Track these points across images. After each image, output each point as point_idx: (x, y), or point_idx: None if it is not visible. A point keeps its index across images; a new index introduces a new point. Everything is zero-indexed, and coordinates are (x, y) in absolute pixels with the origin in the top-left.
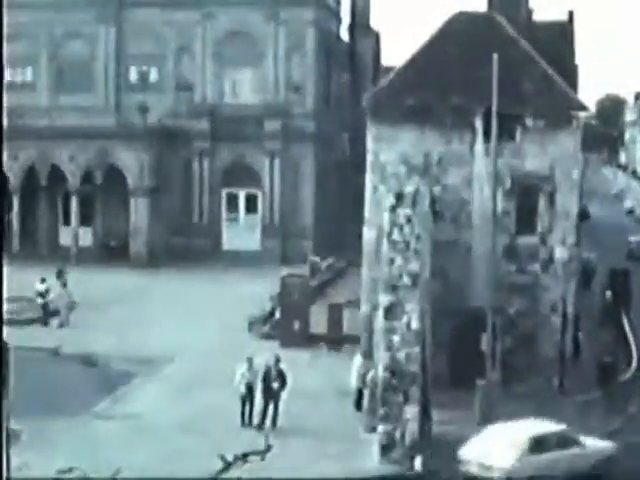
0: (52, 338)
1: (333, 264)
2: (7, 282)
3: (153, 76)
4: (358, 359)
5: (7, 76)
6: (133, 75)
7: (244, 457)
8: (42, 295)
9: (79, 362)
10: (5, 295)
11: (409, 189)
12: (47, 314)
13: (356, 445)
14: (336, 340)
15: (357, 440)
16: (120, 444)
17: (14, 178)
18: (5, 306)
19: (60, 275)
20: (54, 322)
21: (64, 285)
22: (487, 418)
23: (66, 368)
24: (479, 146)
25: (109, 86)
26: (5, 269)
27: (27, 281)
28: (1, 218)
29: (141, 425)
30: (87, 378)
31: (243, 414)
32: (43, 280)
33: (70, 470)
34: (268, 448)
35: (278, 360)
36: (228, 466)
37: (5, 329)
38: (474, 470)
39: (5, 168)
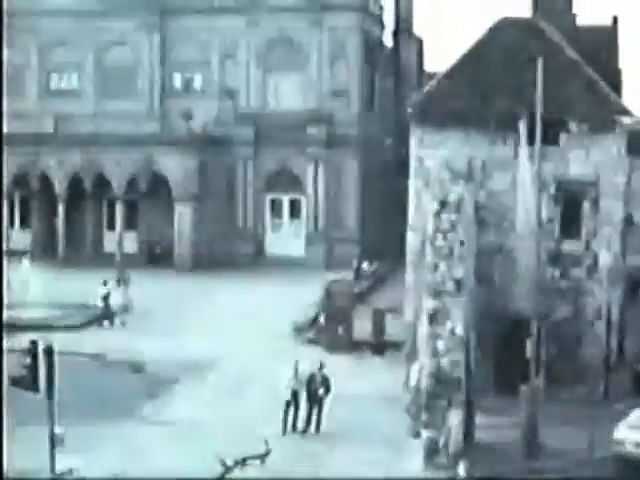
0: (98, 343)
1: (377, 269)
2: (53, 288)
3: (197, 83)
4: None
5: (53, 83)
6: (177, 82)
7: (243, 461)
8: (105, 297)
9: (125, 367)
10: (50, 301)
11: (453, 195)
12: (108, 315)
13: (400, 450)
14: (380, 346)
15: (401, 445)
16: (164, 449)
17: (59, 184)
18: (50, 312)
19: (120, 280)
20: (113, 323)
21: (125, 285)
22: (531, 424)
23: (112, 373)
24: (523, 151)
25: (154, 93)
26: (50, 275)
27: (72, 287)
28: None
29: (185, 430)
30: (133, 383)
31: (286, 419)
32: (105, 283)
33: (70, 471)
34: (268, 452)
35: (322, 366)
36: (228, 470)
37: (50, 335)
38: (629, 449)
39: (51, 174)
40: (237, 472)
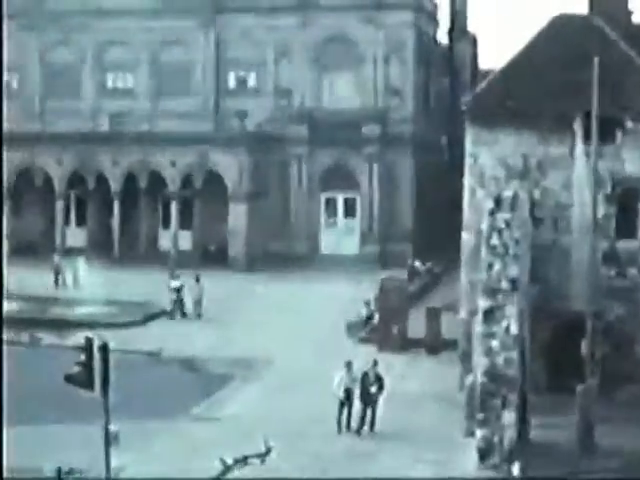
0: (153, 341)
1: (432, 268)
2: (108, 285)
3: (252, 81)
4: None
5: (109, 82)
6: (232, 80)
7: (244, 460)
8: (177, 290)
9: (179, 364)
10: (105, 298)
11: (508, 193)
12: (181, 309)
13: (454, 450)
14: (434, 344)
15: (455, 445)
16: (218, 446)
17: (115, 183)
18: (105, 309)
19: (175, 275)
20: (185, 315)
21: (197, 281)
22: (586, 423)
23: (166, 370)
24: (579, 149)
25: (208, 91)
26: (105, 273)
27: (127, 284)
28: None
29: (239, 428)
30: (186, 380)
31: (340, 418)
32: (177, 277)
33: (70, 471)
34: (268, 451)
35: (376, 364)
36: (227, 469)
37: (104, 332)
38: None
39: (106, 173)
40: (237, 471)
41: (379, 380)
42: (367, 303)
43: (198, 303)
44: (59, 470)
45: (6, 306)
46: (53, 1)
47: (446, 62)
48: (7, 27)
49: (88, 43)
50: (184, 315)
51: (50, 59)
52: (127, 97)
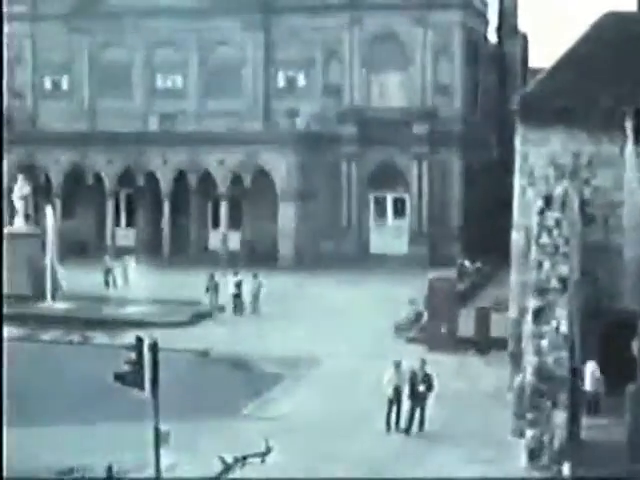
0: (203, 340)
1: (481, 267)
2: (158, 285)
3: (301, 81)
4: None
5: (159, 82)
6: (281, 80)
7: (244, 459)
8: (237, 286)
9: (228, 364)
10: (155, 298)
11: (558, 192)
12: (240, 304)
13: (503, 450)
14: (484, 344)
15: (505, 445)
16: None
17: (164, 183)
18: (154, 308)
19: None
20: (242, 312)
21: (255, 277)
22: (637, 424)
23: (215, 370)
24: (629, 147)
25: (257, 91)
26: (155, 272)
27: (177, 284)
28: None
29: (288, 427)
30: (236, 379)
31: (389, 418)
32: (236, 273)
33: (70, 471)
34: (268, 450)
35: (424, 363)
36: (227, 468)
37: (154, 331)
38: None
39: (156, 173)
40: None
41: (428, 379)
42: (412, 301)
43: (256, 298)
44: (110, 468)
45: (57, 305)
46: (103, 2)
47: (495, 61)
48: (58, 28)
49: (138, 44)
50: (241, 311)
51: (100, 60)
52: (177, 97)
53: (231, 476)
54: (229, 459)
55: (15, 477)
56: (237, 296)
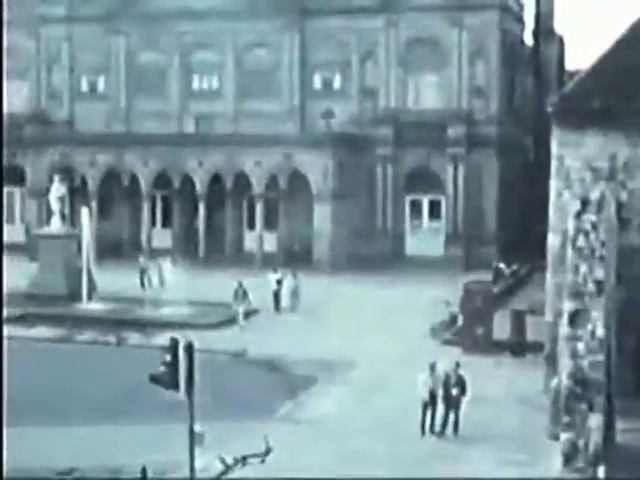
0: (234, 342)
1: (517, 270)
2: (194, 286)
3: (337, 83)
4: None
5: (195, 84)
6: (317, 82)
7: (244, 460)
8: (278, 282)
9: (263, 365)
10: (191, 299)
11: (594, 195)
12: (278, 301)
13: (538, 452)
14: (519, 347)
15: (540, 447)
16: (302, 447)
17: (200, 184)
18: (190, 310)
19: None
20: (279, 309)
21: (294, 276)
22: None
23: (250, 371)
24: None
25: (293, 93)
26: (191, 274)
27: (213, 285)
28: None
29: (323, 429)
30: (271, 381)
31: (424, 421)
32: (276, 270)
33: (70, 471)
34: (268, 450)
35: (458, 366)
36: (227, 469)
37: (189, 332)
38: None
39: (192, 174)
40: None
41: (461, 382)
42: (447, 304)
43: (295, 295)
44: (144, 470)
45: (93, 306)
46: (140, 4)
47: (532, 63)
48: (95, 30)
49: (174, 45)
50: (278, 308)
51: (137, 61)
52: (213, 99)
53: (232, 476)
54: (229, 459)
55: (15, 477)
56: (277, 293)
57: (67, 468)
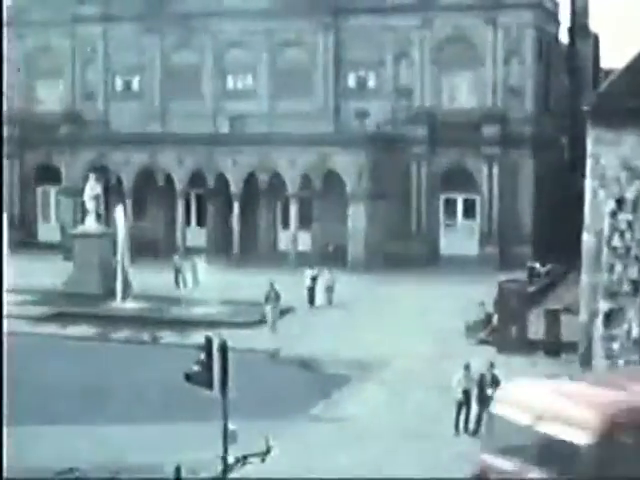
0: (267, 341)
1: (552, 270)
2: (228, 285)
3: (371, 82)
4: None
5: (229, 83)
6: (351, 81)
7: (244, 459)
8: (313, 279)
9: (296, 364)
10: (225, 298)
11: (630, 194)
12: (312, 297)
13: None
14: (554, 346)
15: None
16: (335, 447)
17: (235, 183)
18: (223, 308)
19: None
20: (314, 304)
21: (329, 271)
22: None
23: (284, 370)
24: None
25: (328, 92)
26: (226, 273)
27: (247, 284)
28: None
29: (356, 429)
30: (304, 380)
31: (458, 420)
32: (312, 267)
33: (70, 470)
34: (268, 450)
35: (492, 366)
36: (227, 468)
37: (224, 331)
38: None
39: (226, 173)
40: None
41: (496, 382)
42: (481, 303)
43: (330, 290)
44: (178, 469)
45: (127, 305)
46: (174, 3)
47: (567, 61)
48: (130, 30)
49: (209, 45)
50: (313, 304)
51: (171, 61)
52: (247, 98)
53: (232, 476)
54: (230, 459)
55: (15, 477)
56: (311, 289)
57: (67, 468)
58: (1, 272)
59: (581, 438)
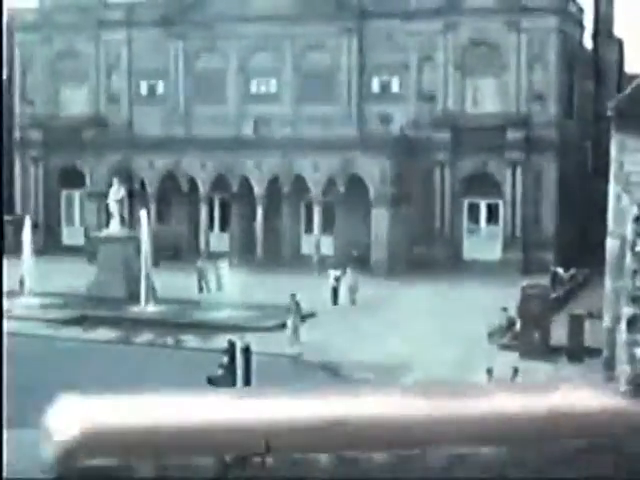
0: (290, 345)
1: (575, 275)
2: (251, 289)
3: (395, 86)
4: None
5: (253, 87)
6: (375, 85)
7: (244, 459)
8: (337, 279)
9: (319, 368)
10: (248, 302)
11: None
12: (336, 296)
13: None
14: (577, 352)
15: None
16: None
17: (258, 187)
18: (246, 312)
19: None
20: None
21: (353, 271)
22: None
23: (306, 374)
24: None
25: (351, 96)
26: (249, 277)
27: (270, 288)
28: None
29: None
30: (325, 384)
31: None
32: (335, 268)
33: None
34: (268, 450)
35: (516, 371)
36: (227, 467)
37: (247, 335)
38: None
39: (250, 177)
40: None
41: None
42: (504, 309)
43: (353, 289)
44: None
45: (151, 308)
46: (198, 8)
47: (591, 66)
48: (154, 34)
49: (233, 49)
50: (337, 303)
51: (195, 65)
52: (271, 102)
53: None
54: (228, 458)
55: (15, 477)
56: (335, 289)
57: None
58: (1, 272)
59: None
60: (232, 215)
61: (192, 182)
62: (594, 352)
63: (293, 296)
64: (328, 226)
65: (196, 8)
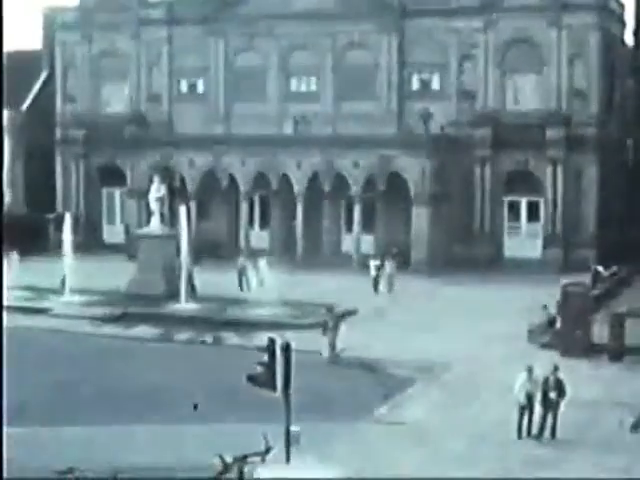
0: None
1: (617, 273)
2: (292, 287)
3: (435, 84)
4: None
5: (293, 86)
6: (415, 83)
7: (244, 458)
8: (377, 268)
9: (359, 366)
10: (289, 300)
11: None
12: (377, 285)
13: (637, 459)
14: (618, 350)
15: (638, 454)
16: (397, 449)
17: (298, 185)
18: (287, 310)
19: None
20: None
21: (391, 260)
22: None
23: (346, 371)
24: None
25: (391, 94)
26: (290, 275)
27: (310, 286)
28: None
29: (418, 432)
30: (366, 382)
31: (521, 424)
32: (375, 257)
33: (70, 470)
34: (268, 449)
35: (557, 369)
36: (227, 467)
37: (287, 333)
38: None
39: (290, 175)
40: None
41: (560, 385)
42: (545, 307)
43: (391, 278)
44: (240, 472)
45: (191, 306)
46: (239, 6)
47: (632, 63)
48: (195, 32)
49: (273, 47)
50: (377, 292)
51: (235, 63)
52: (311, 100)
53: (231, 476)
54: (228, 458)
55: (15, 477)
56: (376, 279)
57: (67, 468)
58: (1, 272)
59: None
60: (272, 212)
61: (232, 180)
62: (636, 350)
63: (330, 309)
64: (368, 224)
65: (237, 6)
